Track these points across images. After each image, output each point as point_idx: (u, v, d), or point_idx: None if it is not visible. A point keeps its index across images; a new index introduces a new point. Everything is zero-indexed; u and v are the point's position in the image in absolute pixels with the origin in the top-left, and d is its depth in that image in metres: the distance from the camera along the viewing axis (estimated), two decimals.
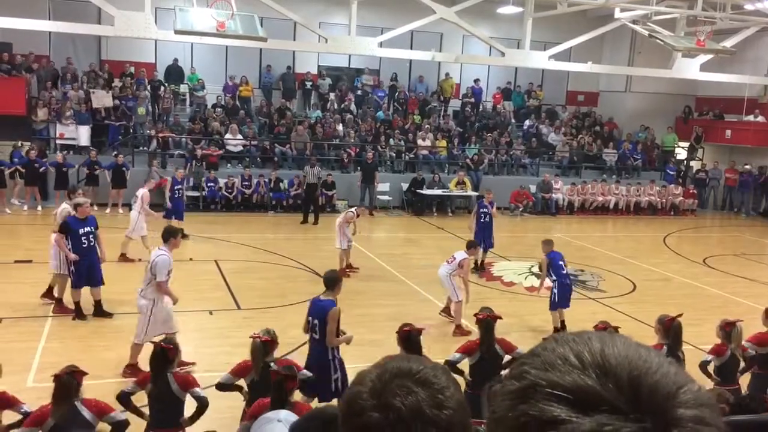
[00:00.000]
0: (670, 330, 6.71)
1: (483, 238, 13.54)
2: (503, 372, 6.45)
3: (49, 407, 5.03)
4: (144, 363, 7.17)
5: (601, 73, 24.49)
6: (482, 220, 13.76)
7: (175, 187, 15.57)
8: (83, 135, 19.97)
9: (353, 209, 13.94)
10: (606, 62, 24.67)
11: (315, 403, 6.57)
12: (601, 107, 27.78)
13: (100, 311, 10.12)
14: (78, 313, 10.02)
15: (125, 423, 5.26)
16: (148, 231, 13.33)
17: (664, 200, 23.59)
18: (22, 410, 5.45)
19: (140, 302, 8.27)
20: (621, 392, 0.74)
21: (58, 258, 10.25)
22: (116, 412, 5.28)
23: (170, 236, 8.39)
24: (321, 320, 6.85)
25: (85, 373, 5.26)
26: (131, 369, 8.04)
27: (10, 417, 5.58)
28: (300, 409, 4.89)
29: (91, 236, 10.01)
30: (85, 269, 9.93)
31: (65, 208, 10.63)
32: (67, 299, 10.26)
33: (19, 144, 18.73)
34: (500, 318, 6.81)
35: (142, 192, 13.89)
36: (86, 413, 5.08)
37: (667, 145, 25.98)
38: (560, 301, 10.30)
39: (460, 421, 1.06)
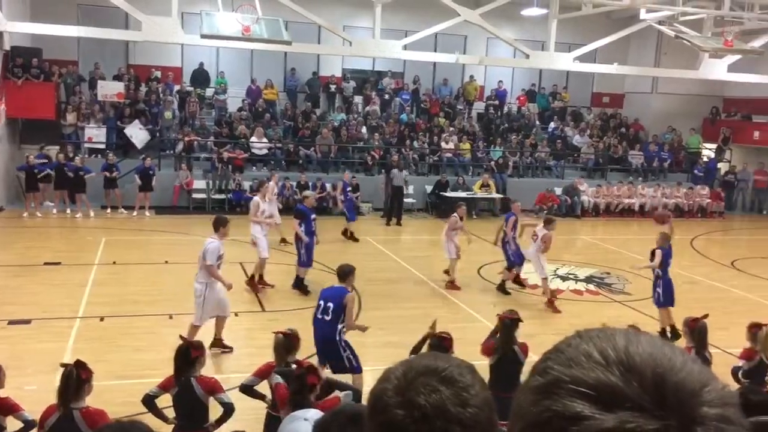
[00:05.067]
0: (695, 331, 6.64)
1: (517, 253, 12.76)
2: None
3: (54, 406, 4.84)
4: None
5: (627, 74, 24.26)
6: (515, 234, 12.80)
7: (346, 190, 17.80)
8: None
9: (455, 213, 13.06)
10: (632, 63, 24.42)
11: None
12: (626, 109, 27.52)
13: (301, 287, 11.79)
14: (303, 289, 11.66)
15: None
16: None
17: (691, 202, 23.28)
18: (23, 417, 5.16)
19: (195, 286, 8.93)
20: (645, 390, 0.73)
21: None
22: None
23: (219, 225, 9.04)
24: (337, 304, 7.38)
25: (89, 371, 4.95)
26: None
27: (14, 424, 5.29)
28: (322, 406, 4.91)
29: (315, 222, 11.85)
30: (313, 249, 11.74)
31: (256, 200, 12.47)
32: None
33: (45, 148, 18.88)
34: (520, 320, 6.74)
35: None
36: (83, 427, 4.74)
37: (692, 146, 25.65)
38: (665, 299, 10.25)
39: (485, 419, 1.06)
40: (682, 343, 6.88)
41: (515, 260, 12.74)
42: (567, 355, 0.81)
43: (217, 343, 9.14)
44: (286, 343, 5.85)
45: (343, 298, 7.41)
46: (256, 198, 12.65)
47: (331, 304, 7.42)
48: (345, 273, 7.73)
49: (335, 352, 7.43)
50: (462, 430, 1.03)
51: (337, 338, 7.44)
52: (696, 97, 25.69)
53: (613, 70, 20.88)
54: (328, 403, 5.14)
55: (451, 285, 12.75)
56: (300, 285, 11.89)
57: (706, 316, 6.79)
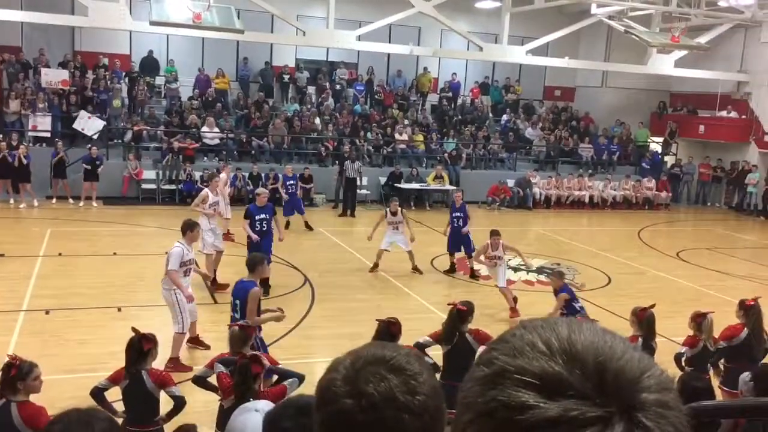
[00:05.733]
0: (644, 321, 6.80)
1: (458, 243, 13.35)
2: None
3: None
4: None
5: (578, 68, 24.68)
6: (455, 224, 13.34)
7: (288, 183, 17.05)
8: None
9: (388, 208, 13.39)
10: (583, 57, 24.87)
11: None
12: (577, 102, 28.00)
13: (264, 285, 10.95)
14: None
15: None
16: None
17: (638, 194, 23.85)
18: None
19: (163, 293, 8.50)
20: (587, 378, 0.75)
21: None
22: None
23: (187, 229, 8.62)
24: (242, 300, 7.09)
25: (17, 368, 4.82)
26: (173, 363, 8.09)
27: None
28: (268, 394, 5.00)
29: (264, 222, 11.24)
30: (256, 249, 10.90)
31: (205, 192, 12.05)
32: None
33: None
34: (463, 309, 6.70)
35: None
36: (16, 420, 4.69)
37: (640, 140, 26.28)
38: None
39: (433, 407, 1.07)
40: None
41: (449, 247, 13.47)
42: (512, 345, 0.82)
43: (194, 340, 8.92)
44: (242, 335, 5.84)
45: (247, 294, 7.08)
46: (206, 190, 12.24)
47: (238, 302, 7.16)
48: (253, 263, 7.43)
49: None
50: (411, 418, 1.04)
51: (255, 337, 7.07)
52: (644, 92, 26.29)
53: (565, 64, 21.24)
54: (274, 392, 5.16)
55: (373, 267, 13.00)
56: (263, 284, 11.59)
57: (653, 305, 6.97)
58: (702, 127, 25.27)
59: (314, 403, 1.10)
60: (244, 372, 5.01)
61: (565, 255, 15.70)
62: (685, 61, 20.68)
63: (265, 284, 11.30)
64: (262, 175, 19.85)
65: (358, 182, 20.10)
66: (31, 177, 17.61)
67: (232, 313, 7.26)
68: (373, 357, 1.09)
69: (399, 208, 13.30)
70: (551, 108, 27.30)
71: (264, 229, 11.27)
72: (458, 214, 13.34)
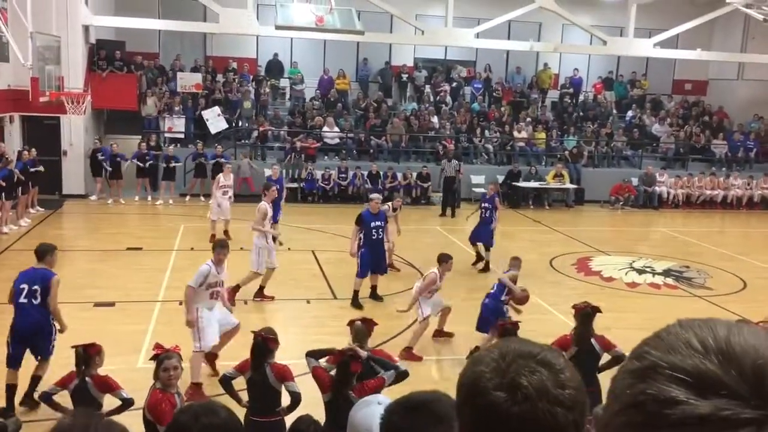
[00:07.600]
0: None
1: (479, 235, 13.13)
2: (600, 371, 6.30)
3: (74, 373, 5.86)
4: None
5: (711, 60, 23.29)
6: (483, 216, 13.18)
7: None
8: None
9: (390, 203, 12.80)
10: (716, 49, 23.43)
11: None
12: (710, 96, 26.42)
13: (374, 295, 10.91)
14: (354, 300, 10.59)
15: (130, 401, 5.75)
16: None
17: None
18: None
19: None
20: (743, 379, 0.75)
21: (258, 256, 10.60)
22: (122, 390, 5.79)
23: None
24: (44, 287, 7.19)
25: (97, 348, 5.87)
26: (192, 389, 7.29)
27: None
28: (366, 386, 5.23)
29: (381, 230, 10.72)
30: (371, 259, 10.67)
31: (264, 206, 10.81)
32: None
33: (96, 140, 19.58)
34: (599, 311, 6.63)
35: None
36: (91, 388, 5.74)
37: None
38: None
39: (582, 402, 1.07)
40: None
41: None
42: (666, 342, 0.82)
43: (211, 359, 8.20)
44: (366, 329, 6.09)
45: (50, 281, 7.22)
46: (264, 204, 10.85)
47: (37, 287, 7.19)
48: (44, 252, 7.39)
49: (46, 336, 7.23)
50: (563, 412, 1.04)
51: (51, 320, 7.30)
52: None
53: (696, 56, 20.14)
54: (372, 384, 5.34)
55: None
56: (354, 299, 10.68)
57: None
58: None
59: (459, 398, 1.10)
60: (344, 369, 5.29)
61: (695, 257, 14.88)
62: None
63: (356, 301, 10.67)
64: (381, 173, 20.12)
65: (457, 181, 19.48)
66: (175, 176, 18.86)
67: (28, 299, 7.14)
68: (521, 351, 1.09)
69: (400, 205, 13.20)
70: (681, 102, 25.91)
71: (380, 237, 10.75)
72: (486, 205, 13.20)
